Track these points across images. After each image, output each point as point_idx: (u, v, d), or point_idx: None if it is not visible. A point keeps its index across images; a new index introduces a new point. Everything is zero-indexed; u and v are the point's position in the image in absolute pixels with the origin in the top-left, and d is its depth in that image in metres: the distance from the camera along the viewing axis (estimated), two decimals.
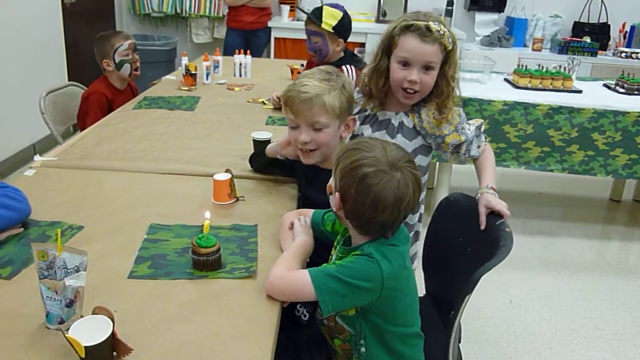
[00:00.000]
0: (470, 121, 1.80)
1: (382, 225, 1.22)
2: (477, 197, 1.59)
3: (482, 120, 1.83)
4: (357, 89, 1.87)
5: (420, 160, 1.78)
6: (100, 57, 2.76)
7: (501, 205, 1.52)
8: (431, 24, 1.62)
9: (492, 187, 1.62)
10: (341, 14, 2.60)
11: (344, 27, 2.62)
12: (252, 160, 1.93)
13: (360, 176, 1.19)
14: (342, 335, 1.31)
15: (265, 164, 1.88)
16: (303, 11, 2.74)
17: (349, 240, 1.33)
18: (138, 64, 2.82)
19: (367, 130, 1.79)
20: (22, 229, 1.44)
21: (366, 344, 1.28)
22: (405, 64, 1.67)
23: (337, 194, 1.24)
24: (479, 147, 1.77)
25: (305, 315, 1.52)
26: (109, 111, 2.66)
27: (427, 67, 1.66)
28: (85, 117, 2.66)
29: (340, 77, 1.64)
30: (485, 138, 1.81)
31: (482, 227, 1.52)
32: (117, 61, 2.73)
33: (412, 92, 1.69)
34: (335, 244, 1.41)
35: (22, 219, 1.45)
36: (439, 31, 1.62)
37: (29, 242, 1.37)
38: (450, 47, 1.65)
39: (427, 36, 1.62)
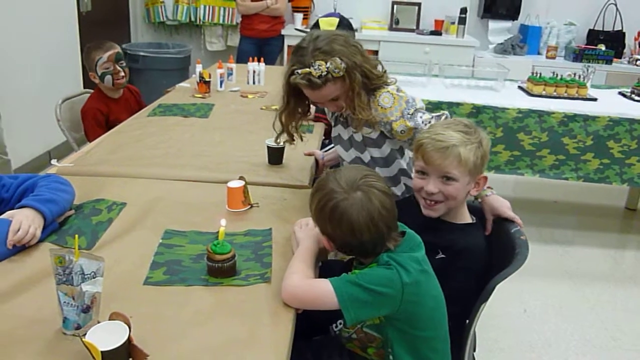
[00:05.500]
0: (433, 113, 1.72)
1: (373, 242, 1.24)
2: (478, 202, 1.58)
3: (446, 112, 1.71)
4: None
5: (391, 143, 1.79)
6: (88, 70, 2.72)
7: (505, 208, 1.53)
8: (312, 70, 1.58)
9: (488, 187, 1.59)
10: (337, 19, 2.62)
11: (345, 28, 2.63)
12: None
13: (327, 213, 1.24)
14: (374, 343, 1.32)
15: None
16: (301, 30, 2.77)
17: None
18: (121, 74, 2.70)
19: (339, 149, 1.91)
20: (73, 210, 1.57)
21: (394, 353, 1.28)
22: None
23: (324, 237, 1.30)
24: None
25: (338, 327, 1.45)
26: (107, 122, 2.66)
27: (332, 100, 1.70)
28: (87, 134, 2.68)
29: (478, 133, 1.51)
30: None
31: (487, 232, 1.56)
32: (99, 73, 2.67)
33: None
34: (354, 262, 1.40)
35: (74, 200, 1.59)
36: (321, 75, 1.58)
37: (88, 217, 1.55)
38: (341, 73, 1.60)
39: (314, 84, 1.61)
